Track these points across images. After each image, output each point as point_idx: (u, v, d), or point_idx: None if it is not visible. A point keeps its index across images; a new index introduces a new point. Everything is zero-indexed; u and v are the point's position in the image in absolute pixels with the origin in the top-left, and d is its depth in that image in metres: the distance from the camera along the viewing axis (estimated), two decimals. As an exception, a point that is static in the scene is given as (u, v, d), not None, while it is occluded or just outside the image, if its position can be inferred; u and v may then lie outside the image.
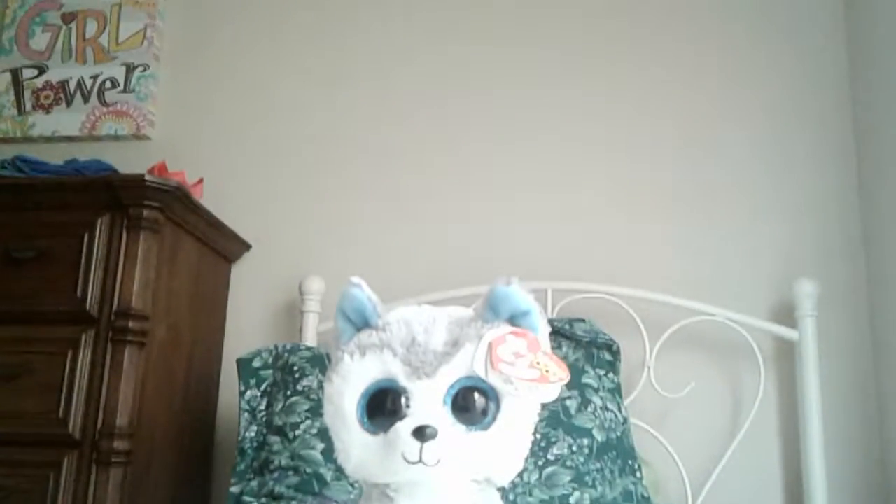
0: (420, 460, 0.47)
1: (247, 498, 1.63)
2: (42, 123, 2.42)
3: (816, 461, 1.88)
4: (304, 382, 1.74)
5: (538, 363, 0.50)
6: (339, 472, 1.59)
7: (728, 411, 2.04)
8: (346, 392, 0.51)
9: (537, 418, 0.52)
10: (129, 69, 2.42)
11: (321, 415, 1.67)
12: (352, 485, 1.58)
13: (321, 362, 1.78)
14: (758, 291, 2.10)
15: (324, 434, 1.65)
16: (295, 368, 1.77)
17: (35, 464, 1.66)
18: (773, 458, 2.02)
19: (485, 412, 0.49)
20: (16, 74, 2.46)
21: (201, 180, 2.14)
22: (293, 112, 2.38)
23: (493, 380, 0.49)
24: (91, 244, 1.77)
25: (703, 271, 2.12)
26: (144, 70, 2.41)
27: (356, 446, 0.50)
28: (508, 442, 0.50)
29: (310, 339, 2.05)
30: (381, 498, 0.51)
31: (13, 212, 1.83)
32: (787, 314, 2.01)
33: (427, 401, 0.49)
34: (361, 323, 0.54)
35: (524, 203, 2.20)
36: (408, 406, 0.49)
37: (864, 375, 2.03)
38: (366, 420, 0.50)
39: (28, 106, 2.44)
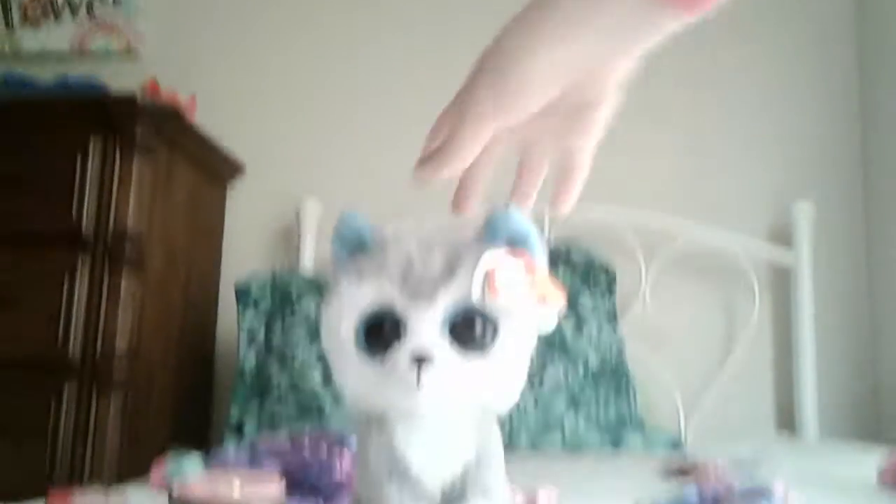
0: (418, 385, 0.46)
1: (247, 421, 1.66)
2: (31, 39, 2.36)
3: (809, 386, 1.91)
4: (303, 307, 1.75)
5: (535, 286, 0.48)
6: (338, 396, 1.62)
7: (722, 335, 2.06)
8: (342, 318, 0.50)
9: (534, 344, 0.51)
10: (118, -19, 2.35)
11: (320, 339, 1.71)
12: (350, 406, 1.60)
13: (319, 287, 1.79)
14: (755, 215, 2.10)
15: (323, 358, 1.66)
16: (293, 293, 1.78)
17: (36, 389, 1.67)
18: (766, 382, 2.05)
19: (483, 337, 0.48)
20: (2, -12, 2.39)
21: (194, 98, 2.10)
22: (289, 27, 2.32)
23: (491, 304, 0.48)
24: (84, 166, 1.74)
25: (699, 193, 2.11)
26: (133, -17, 2.34)
27: (354, 373, 0.50)
28: (506, 368, 0.49)
29: (308, 263, 2.05)
30: (380, 426, 0.50)
31: (3, 132, 1.79)
32: (783, 237, 2.01)
33: (425, 326, 0.47)
34: (357, 246, 0.52)
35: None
36: (405, 332, 0.48)
37: (858, 300, 2.04)
38: (364, 346, 0.49)
39: (16, 20, 2.37)
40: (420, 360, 0.47)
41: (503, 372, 0.49)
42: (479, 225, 0.52)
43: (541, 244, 0.51)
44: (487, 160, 0.58)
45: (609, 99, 0.53)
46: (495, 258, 0.49)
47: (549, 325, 0.51)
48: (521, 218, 0.51)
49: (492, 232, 0.51)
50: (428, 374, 0.46)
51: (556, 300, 0.49)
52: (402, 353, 0.47)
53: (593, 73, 0.50)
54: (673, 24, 0.47)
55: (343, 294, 0.51)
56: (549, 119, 0.53)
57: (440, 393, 0.47)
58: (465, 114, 0.51)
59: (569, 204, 0.59)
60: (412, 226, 0.54)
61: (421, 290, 0.49)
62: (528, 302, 0.48)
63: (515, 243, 0.50)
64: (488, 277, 0.48)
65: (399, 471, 0.50)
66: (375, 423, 0.51)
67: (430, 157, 0.53)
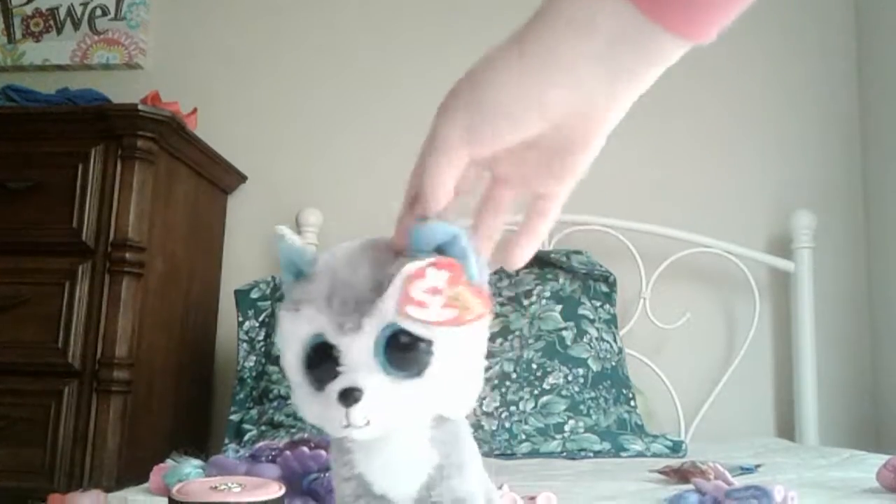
0: (349, 424, 0.45)
1: (246, 426, 1.66)
2: (33, 52, 2.38)
3: (809, 393, 1.91)
4: (302, 313, 1.75)
5: (456, 300, 0.45)
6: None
7: (722, 342, 2.06)
8: (287, 351, 0.49)
9: (485, 344, 0.48)
10: (120, -5, 2.36)
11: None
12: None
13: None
14: (755, 223, 2.10)
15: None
16: (293, 299, 1.78)
17: (36, 393, 1.68)
18: (766, 389, 2.05)
19: (417, 359, 0.46)
20: (5, 1, 2.41)
21: (195, 110, 2.12)
22: (289, 41, 2.34)
23: (406, 324, 0.45)
24: (85, 175, 1.76)
25: (700, 203, 2.12)
26: (135, -4, 2.36)
27: (303, 402, 0.49)
28: (450, 380, 0.47)
29: (307, 271, 2.05)
30: (342, 450, 0.50)
31: (5, 141, 1.81)
32: (783, 246, 2.02)
33: (356, 356, 0.46)
34: (296, 273, 0.50)
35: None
36: (339, 363, 0.46)
37: (858, 308, 2.05)
38: (309, 378, 0.48)
39: (18, 34, 2.39)
40: (347, 398, 0.45)
41: (447, 385, 0.47)
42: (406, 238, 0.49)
43: (471, 252, 0.47)
44: (494, 208, 0.54)
45: (592, 146, 0.49)
46: (414, 271, 0.46)
47: (475, 338, 0.48)
48: (447, 226, 0.47)
49: (416, 243, 0.48)
50: (356, 410, 0.45)
51: (476, 312, 0.46)
52: (333, 390, 0.46)
53: (580, 115, 0.46)
54: (670, 54, 0.44)
55: (283, 327, 0.49)
56: (525, 157, 0.49)
57: (373, 424, 0.45)
58: (435, 140, 0.47)
59: (522, 259, 0.53)
60: (350, 244, 0.49)
61: (347, 319, 0.47)
62: (443, 319, 0.45)
63: (446, 250, 0.47)
64: (403, 292, 0.45)
65: (364, 490, 0.50)
66: (338, 449, 0.50)
67: (409, 203, 0.49)
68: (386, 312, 0.46)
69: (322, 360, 0.47)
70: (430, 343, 0.46)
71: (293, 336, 0.49)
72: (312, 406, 0.48)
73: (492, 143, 0.47)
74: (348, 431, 0.46)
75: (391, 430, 0.47)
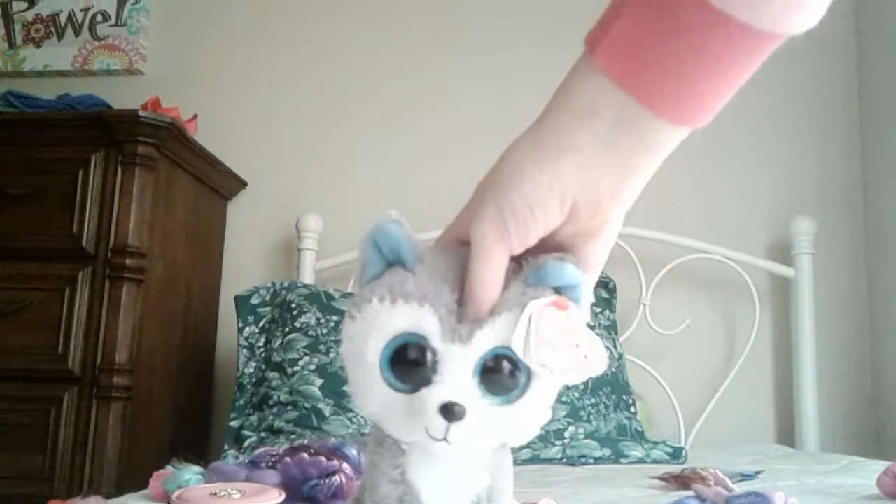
0: (444, 439, 0.44)
1: (246, 432, 1.66)
2: (33, 58, 2.38)
3: (809, 398, 1.91)
4: (303, 319, 1.75)
5: (577, 346, 0.45)
6: (338, 407, 1.62)
7: (722, 348, 2.06)
8: (369, 338, 0.46)
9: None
10: (121, 1, 2.37)
11: (319, 351, 1.71)
12: (350, 419, 1.60)
13: (319, 299, 1.79)
14: (755, 229, 2.10)
15: (322, 370, 1.67)
16: (293, 305, 1.78)
17: (36, 399, 1.68)
18: (766, 395, 2.05)
19: (514, 384, 0.45)
20: (5, 7, 2.41)
21: (195, 116, 2.12)
22: (290, 47, 2.34)
23: (530, 361, 0.45)
24: (86, 181, 1.76)
25: (700, 209, 2.12)
26: (136, 2, 2.36)
27: (376, 397, 0.47)
28: (532, 414, 0.47)
29: (307, 277, 2.05)
30: (395, 450, 0.48)
31: (5, 147, 1.81)
32: (783, 252, 2.02)
33: (458, 369, 0.45)
34: (394, 259, 0.48)
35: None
36: (436, 371, 0.45)
37: (858, 314, 2.05)
38: (389, 373, 0.46)
39: (19, 40, 2.40)
40: (451, 413, 0.44)
41: (527, 418, 0.47)
42: (526, 265, 0.48)
43: (588, 292, 0.48)
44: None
45: (607, 234, 0.50)
46: (539, 309, 0.45)
47: (582, 380, 0.47)
48: (576, 269, 0.48)
49: (540, 278, 0.47)
50: (457, 427, 0.44)
51: (596, 363, 0.46)
52: (431, 398, 0.44)
53: (591, 204, 0.47)
54: (668, 139, 0.47)
55: (373, 313, 0.47)
56: (545, 247, 0.50)
57: (464, 443, 0.45)
58: (479, 246, 0.47)
59: None
60: (452, 248, 0.47)
61: (459, 328, 0.46)
62: (568, 364, 0.45)
63: (563, 291, 0.47)
64: (532, 330, 0.45)
65: (411, 499, 0.48)
66: (389, 448, 0.48)
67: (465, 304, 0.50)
68: (499, 335, 0.45)
69: (411, 360, 0.46)
70: (527, 375, 0.46)
71: (383, 326, 0.47)
72: (389, 403, 0.46)
73: (525, 239, 0.48)
74: (436, 444, 0.45)
75: (465, 449, 0.46)
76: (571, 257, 0.48)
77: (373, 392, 0.47)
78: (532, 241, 0.48)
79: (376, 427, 0.49)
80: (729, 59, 0.43)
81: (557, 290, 0.47)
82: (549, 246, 0.49)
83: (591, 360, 0.46)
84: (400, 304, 0.46)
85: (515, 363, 0.45)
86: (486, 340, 0.45)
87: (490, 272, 0.47)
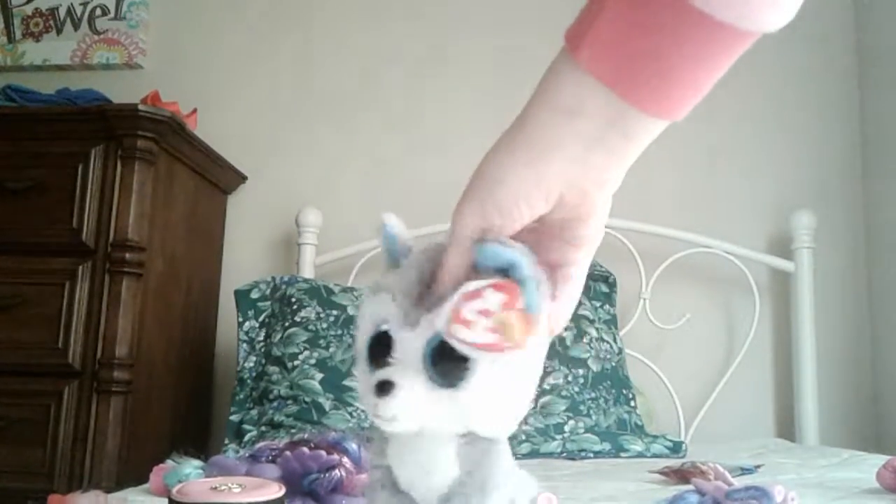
0: (377, 414, 0.47)
1: (246, 426, 1.66)
2: (33, 52, 2.38)
3: (809, 392, 1.91)
4: (303, 314, 1.75)
5: (502, 325, 0.45)
6: (338, 402, 1.62)
7: (722, 342, 2.06)
8: (360, 330, 0.51)
9: (537, 371, 0.49)
10: (120, -5, 2.36)
11: (319, 345, 1.71)
12: (350, 414, 1.60)
13: (319, 294, 1.79)
14: (755, 223, 2.10)
15: (322, 364, 1.67)
16: (293, 300, 1.78)
17: (36, 393, 1.68)
18: (766, 389, 2.05)
19: (459, 370, 0.46)
20: (4, 1, 2.40)
21: (195, 111, 2.12)
22: (289, 41, 2.34)
23: (451, 340, 0.46)
24: (85, 175, 1.76)
25: (700, 203, 2.12)
26: (135, -4, 2.36)
27: (360, 382, 0.51)
28: (487, 399, 0.47)
29: (306, 272, 2.05)
30: (381, 438, 0.51)
31: (5, 142, 1.81)
32: (783, 246, 2.02)
33: (407, 351, 0.47)
34: (392, 261, 0.52)
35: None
36: (392, 355, 0.48)
37: (858, 308, 2.05)
38: (367, 361, 0.50)
39: (18, 34, 2.39)
40: (380, 389, 0.47)
41: (482, 403, 0.48)
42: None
43: (532, 281, 0.48)
44: None
45: (598, 214, 0.52)
46: (472, 289, 0.47)
47: (516, 363, 0.48)
48: (503, 249, 0.48)
49: (482, 262, 0.49)
50: (385, 402, 0.46)
51: (516, 341, 0.46)
52: (374, 378, 0.48)
53: (578, 191, 0.49)
54: (654, 130, 0.48)
55: (363, 305, 0.52)
56: (536, 234, 0.51)
57: (399, 421, 0.47)
58: (454, 236, 0.50)
59: (560, 325, 0.54)
60: (412, 238, 0.51)
61: (410, 314, 0.48)
62: (481, 342, 0.46)
63: (509, 272, 0.48)
64: (456, 309, 0.46)
65: (390, 482, 0.51)
66: (378, 437, 0.52)
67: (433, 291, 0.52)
68: (441, 319, 0.47)
69: (381, 346, 0.49)
70: (472, 360, 0.46)
71: (366, 317, 0.51)
72: (363, 386, 0.50)
73: (508, 232, 0.49)
74: (377, 420, 0.47)
75: (421, 431, 0.48)
76: (500, 236, 0.49)
77: (360, 378, 0.51)
78: (514, 231, 0.49)
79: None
80: (708, 55, 0.45)
81: (505, 275, 0.48)
82: (539, 229, 0.51)
83: (508, 338, 0.46)
84: (378, 296, 0.50)
85: (456, 351, 0.46)
86: (430, 325, 0.47)
87: (463, 264, 0.49)
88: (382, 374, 0.48)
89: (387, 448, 0.51)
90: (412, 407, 0.47)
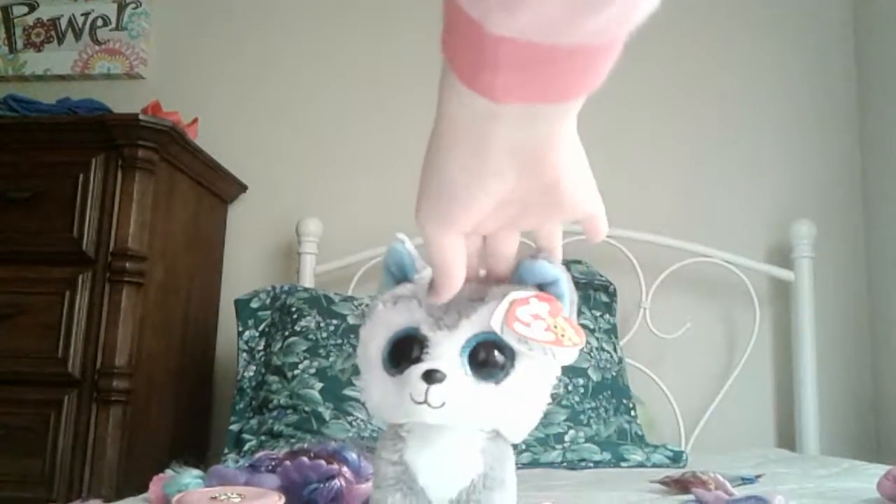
0: (425, 401, 0.49)
1: (246, 436, 1.65)
2: (34, 62, 2.38)
3: (809, 402, 1.91)
4: (303, 323, 1.75)
5: (555, 327, 0.51)
6: (337, 411, 1.62)
7: (723, 352, 2.06)
8: (374, 337, 0.54)
9: (555, 381, 0.54)
10: (121, 6, 2.37)
11: (319, 355, 1.71)
12: (350, 423, 1.60)
13: (319, 303, 1.79)
14: (755, 232, 2.10)
15: (322, 373, 1.67)
16: (293, 309, 1.78)
17: (35, 402, 1.68)
18: (767, 399, 2.04)
19: (499, 367, 0.51)
20: (6, 11, 2.42)
21: (196, 120, 2.12)
22: (290, 50, 2.35)
23: (508, 337, 0.50)
24: (86, 185, 1.76)
25: (700, 212, 2.12)
26: (136, 7, 2.37)
27: (377, 387, 0.53)
28: (518, 399, 0.52)
29: (307, 281, 2.05)
30: (395, 437, 0.54)
31: (6, 151, 1.81)
32: (783, 255, 2.02)
33: (444, 350, 0.51)
34: (401, 276, 0.56)
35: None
36: (426, 353, 0.51)
37: (858, 318, 2.05)
38: (388, 363, 0.53)
39: (19, 44, 2.40)
40: (430, 377, 0.50)
41: (515, 402, 0.52)
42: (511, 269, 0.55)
43: (569, 288, 0.54)
44: (499, 257, 0.56)
45: (566, 172, 0.50)
46: (520, 296, 0.52)
47: (564, 361, 0.52)
48: (550, 266, 0.54)
49: (520, 277, 0.54)
50: (436, 389, 0.49)
51: (573, 341, 0.51)
52: (416, 370, 0.50)
53: (534, 156, 0.47)
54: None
55: (378, 315, 0.55)
56: (504, 209, 0.50)
57: (446, 409, 0.50)
58: (428, 244, 0.50)
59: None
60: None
61: (446, 317, 0.52)
62: (544, 339, 0.51)
63: (546, 287, 0.53)
64: (509, 311, 0.51)
65: (406, 480, 0.53)
66: (391, 437, 0.54)
67: (432, 291, 0.54)
68: (482, 322, 0.51)
69: (407, 348, 0.52)
70: (513, 358, 0.51)
71: (385, 325, 0.54)
72: (386, 388, 0.52)
73: (476, 216, 0.49)
74: (421, 409, 0.50)
75: (445, 426, 0.52)
76: (545, 254, 0.55)
77: (375, 382, 0.54)
78: (485, 213, 0.49)
79: (381, 431, 0.56)
80: (569, 68, 0.41)
81: (541, 290, 0.53)
82: (511, 201, 0.49)
83: (567, 338, 0.51)
84: (399, 304, 0.54)
85: (500, 348, 0.51)
86: (470, 327, 0.52)
87: (444, 261, 0.51)
88: (424, 366, 0.51)
89: (404, 446, 0.53)
90: (459, 395, 0.50)
